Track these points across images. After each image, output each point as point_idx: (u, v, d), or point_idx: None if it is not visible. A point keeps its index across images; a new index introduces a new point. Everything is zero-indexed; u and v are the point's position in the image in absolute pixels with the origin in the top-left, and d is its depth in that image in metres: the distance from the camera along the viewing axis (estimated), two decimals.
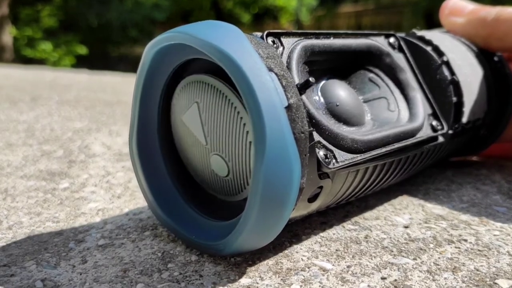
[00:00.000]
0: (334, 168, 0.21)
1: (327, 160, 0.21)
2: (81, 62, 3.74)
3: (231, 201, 0.23)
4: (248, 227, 0.19)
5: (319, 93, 0.24)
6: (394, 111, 0.26)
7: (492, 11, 0.33)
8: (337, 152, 0.21)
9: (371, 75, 0.27)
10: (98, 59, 4.29)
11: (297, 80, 0.21)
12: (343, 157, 0.21)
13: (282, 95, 0.18)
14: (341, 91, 0.24)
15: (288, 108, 0.18)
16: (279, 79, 0.19)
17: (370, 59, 0.27)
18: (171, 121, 0.24)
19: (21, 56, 3.89)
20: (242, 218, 0.19)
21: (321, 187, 0.21)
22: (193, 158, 0.24)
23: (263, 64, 0.19)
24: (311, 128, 0.20)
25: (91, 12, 4.30)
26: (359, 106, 0.25)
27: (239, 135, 0.21)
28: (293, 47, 0.23)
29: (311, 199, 0.22)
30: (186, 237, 0.23)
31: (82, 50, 4.23)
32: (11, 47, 3.86)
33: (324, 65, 0.26)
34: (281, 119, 0.18)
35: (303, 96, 0.21)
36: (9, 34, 3.86)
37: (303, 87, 0.20)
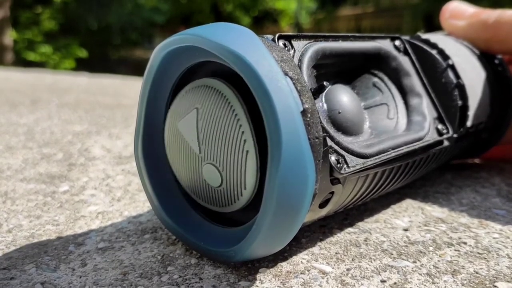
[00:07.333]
0: (346, 173, 0.21)
1: (339, 165, 0.21)
2: (81, 65, 3.74)
3: (223, 212, 0.23)
4: (262, 233, 0.19)
5: (323, 99, 0.24)
6: (393, 119, 0.26)
7: (493, 14, 0.34)
8: (348, 157, 0.21)
9: (376, 79, 0.27)
10: (98, 62, 4.30)
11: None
12: (354, 162, 0.21)
13: (298, 100, 0.18)
14: (344, 98, 0.24)
15: (304, 113, 0.18)
16: (293, 83, 0.19)
17: (377, 63, 0.27)
18: (164, 128, 0.24)
19: (21, 59, 3.90)
20: (256, 225, 0.19)
21: (332, 193, 0.21)
22: (184, 167, 0.23)
23: (279, 68, 0.18)
24: (325, 133, 0.20)
25: (91, 15, 4.31)
26: (360, 115, 0.25)
27: (236, 143, 0.20)
28: (304, 50, 0.22)
29: (322, 205, 0.22)
30: (193, 243, 0.23)
31: (82, 53, 4.24)
32: (11, 50, 3.87)
33: (332, 69, 0.26)
34: (297, 124, 0.18)
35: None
36: (9, 37, 3.87)
37: (317, 92, 0.20)
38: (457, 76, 0.29)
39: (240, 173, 0.20)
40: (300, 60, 0.22)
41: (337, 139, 0.21)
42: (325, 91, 0.24)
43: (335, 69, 0.26)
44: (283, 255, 0.23)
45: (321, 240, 0.25)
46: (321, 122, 0.20)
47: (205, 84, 0.21)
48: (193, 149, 0.22)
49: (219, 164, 0.21)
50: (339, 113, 0.23)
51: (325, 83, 0.20)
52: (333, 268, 0.22)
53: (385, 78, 0.27)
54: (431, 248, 0.24)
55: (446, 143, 0.28)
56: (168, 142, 0.24)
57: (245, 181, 0.20)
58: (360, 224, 0.27)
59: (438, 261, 0.23)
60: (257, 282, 0.21)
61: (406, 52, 0.29)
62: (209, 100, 0.21)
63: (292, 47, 0.22)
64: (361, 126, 0.25)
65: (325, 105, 0.23)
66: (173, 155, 0.24)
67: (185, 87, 0.23)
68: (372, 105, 0.26)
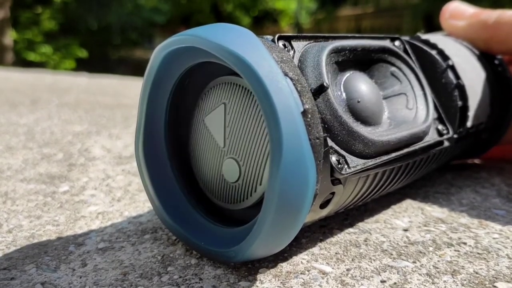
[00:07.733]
0: (346, 173, 0.21)
1: (339, 166, 0.21)
2: (81, 65, 3.75)
3: (233, 209, 0.23)
4: (262, 234, 0.19)
5: (342, 88, 0.24)
6: (412, 109, 0.26)
7: (493, 14, 0.34)
8: (348, 157, 0.21)
9: (393, 68, 0.27)
10: (98, 62, 4.30)
11: (326, 77, 0.21)
12: (355, 163, 0.21)
13: (298, 100, 0.18)
14: (364, 86, 0.24)
15: (304, 113, 0.18)
16: (294, 84, 0.19)
17: (393, 56, 0.27)
18: (191, 124, 0.24)
19: (21, 59, 3.90)
20: (256, 225, 0.19)
21: (333, 193, 0.21)
22: (204, 162, 0.24)
23: (279, 68, 0.18)
24: (325, 134, 0.20)
25: (91, 15, 4.31)
26: (379, 105, 0.25)
27: (262, 138, 0.21)
28: (320, 48, 0.22)
29: (323, 205, 0.22)
30: (194, 244, 0.23)
31: (82, 53, 4.25)
32: (11, 50, 3.87)
33: (348, 59, 0.26)
34: (297, 125, 0.18)
35: (329, 91, 0.21)
36: (9, 37, 3.86)
37: (318, 92, 0.20)
38: (457, 76, 0.29)
39: (259, 168, 0.21)
40: (300, 61, 0.22)
41: (341, 136, 0.21)
42: (343, 79, 0.24)
43: (353, 59, 0.26)
44: (283, 255, 0.23)
45: (321, 240, 0.25)
46: (323, 120, 0.20)
47: (230, 81, 0.22)
48: (218, 143, 0.23)
49: (241, 158, 0.22)
50: (358, 102, 0.23)
51: (325, 83, 0.20)
52: (333, 268, 0.22)
53: (403, 67, 0.27)
54: (431, 249, 0.24)
55: (446, 143, 0.28)
56: (194, 137, 0.24)
57: (262, 177, 0.21)
58: (360, 224, 0.27)
59: (438, 261, 0.23)
60: (257, 283, 0.21)
61: (406, 53, 0.29)
62: (236, 96, 0.22)
63: (292, 47, 0.22)
64: (380, 116, 0.25)
65: (344, 94, 0.23)
66: (197, 151, 0.24)
67: (209, 83, 0.23)
68: (391, 95, 0.26)
